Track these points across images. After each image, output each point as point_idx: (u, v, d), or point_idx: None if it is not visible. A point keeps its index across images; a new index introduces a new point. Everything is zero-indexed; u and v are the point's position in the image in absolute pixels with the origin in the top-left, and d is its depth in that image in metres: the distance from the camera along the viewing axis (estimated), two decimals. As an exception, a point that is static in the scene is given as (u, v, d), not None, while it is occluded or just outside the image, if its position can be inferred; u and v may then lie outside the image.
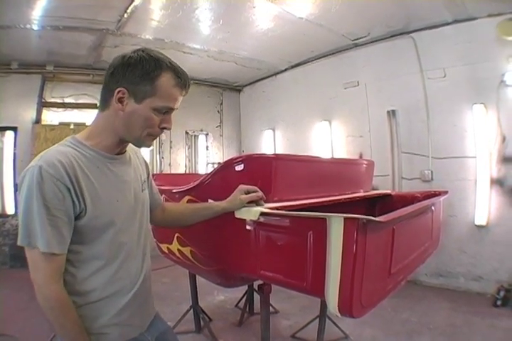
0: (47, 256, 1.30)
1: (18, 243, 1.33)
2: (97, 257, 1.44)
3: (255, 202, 1.99)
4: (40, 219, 1.28)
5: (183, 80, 1.47)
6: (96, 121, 1.53)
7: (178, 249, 2.81)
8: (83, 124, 7.21)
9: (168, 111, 1.48)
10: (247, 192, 1.97)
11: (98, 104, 1.53)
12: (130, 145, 1.65)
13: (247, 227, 1.99)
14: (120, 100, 1.42)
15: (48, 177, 1.28)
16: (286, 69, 8.26)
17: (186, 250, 2.68)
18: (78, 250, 1.41)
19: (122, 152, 1.61)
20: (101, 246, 1.45)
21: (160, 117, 1.47)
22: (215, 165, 8.46)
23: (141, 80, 1.39)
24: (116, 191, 1.52)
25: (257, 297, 4.47)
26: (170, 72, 1.43)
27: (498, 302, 4.73)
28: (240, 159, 2.18)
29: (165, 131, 1.55)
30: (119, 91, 1.40)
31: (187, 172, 8.91)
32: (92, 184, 1.40)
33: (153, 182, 1.98)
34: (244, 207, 1.97)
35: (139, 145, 1.57)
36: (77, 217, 1.37)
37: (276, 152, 8.18)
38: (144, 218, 1.69)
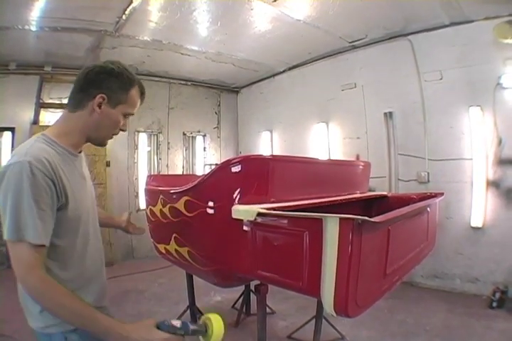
0: (36, 248, 1.35)
1: (5, 237, 1.36)
2: (68, 249, 1.54)
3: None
4: (31, 213, 1.33)
5: (143, 93, 1.73)
6: (66, 120, 1.65)
7: (176, 250, 2.82)
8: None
9: (129, 116, 1.70)
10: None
11: (68, 104, 1.65)
12: None
13: (244, 228, 2.01)
14: (99, 105, 1.58)
15: (38, 172, 1.35)
16: (283, 71, 8.27)
17: (184, 250, 2.69)
18: (55, 242, 1.45)
19: (81, 150, 1.75)
20: (75, 238, 1.56)
21: (123, 121, 1.69)
22: (213, 167, 8.46)
23: (119, 89, 1.60)
24: (81, 186, 1.66)
25: (253, 298, 4.47)
26: (138, 86, 1.68)
27: (494, 304, 4.74)
28: (238, 160, 2.19)
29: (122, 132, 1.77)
30: (100, 97, 1.57)
31: (184, 173, 8.90)
32: (67, 179, 1.50)
33: None
34: (242, 206, 2.00)
35: (100, 144, 1.74)
36: (57, 209, 1.45)
37: (274, 153, 8.17)
38: (95, 211, 1.83)
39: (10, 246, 1.37)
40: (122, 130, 1.72)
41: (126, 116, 1.68)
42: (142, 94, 1.71)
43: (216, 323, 1.40)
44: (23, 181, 1.33)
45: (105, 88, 1.57)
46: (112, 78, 1.58)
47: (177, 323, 1.39)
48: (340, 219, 1.53)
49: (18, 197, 1.33)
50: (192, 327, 1.41)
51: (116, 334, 1.32)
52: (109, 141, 1.76)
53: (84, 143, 1.69)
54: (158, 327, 1.37)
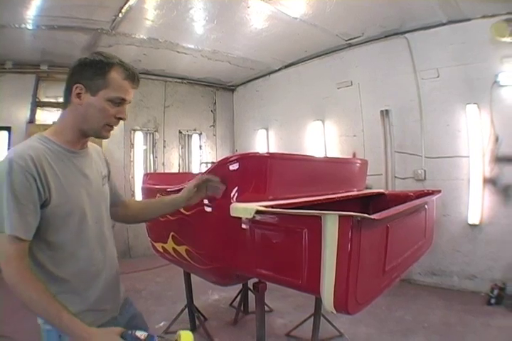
0: (12, 239, 1.38)
1: None
2: (60, 245, 1.54)
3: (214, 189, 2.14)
4: (8, 206, 1.38)
5: (131, 73, 1.62)
6: (60, 118, 1.69)
7: (174, 248, 2.81)
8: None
9: (121, 102, 1.61)
10: (201, 181, 2.09)
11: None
12: (93, 145, 1.86)
13: (243, 226, 2.00)
14: (78, 95, 1.57)
15: (17, 168, 1.39)
16: (279, 69, 8.27)
17: (181, 249, 2.68)
18: (46, 238, 1.50)
19: (84, 147, 1.73)
20: (65, 235, 1.54)
21: (115, 108, 1.61)
22: (209, 165, 8.45)
23: (94, 75, 1.56)
24: (78, 183, 1.63)
25: (251, 296, 4.47)
26: (120, 67, 1.59)
27: (492, 301, 4.75)
28: (235, 158, 2.19)
29: (121, 121, 1.68)
30: (76, 87, 1.57)
31: (180, 171, 8.89)
32: (56, 175, 1.51)
33: (114, 179, 2.07)
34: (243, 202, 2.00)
35: (97, 136, 1.67)
36: (43, 205, 1.46)
37: (270, 151, 8.16)
38: (104, 209, 1.79)
39: None
40: (120, 118, 1.65)
41: (115, 102, 1.59)
42: (129, 74, 1.61)
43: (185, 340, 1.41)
44: (4, 177, 1.38)
45: (81, 78, 1.57)
46: (85, 67, 1.58)
47: (141, 335, 1.40)
48: (340, 216, 1.52)
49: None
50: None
51: (78, 336, 1.36)
52: (107, 140, 1.73)
53: (81, 138, 1.66)
54: (123, 337, 1.39)
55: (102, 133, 1.64)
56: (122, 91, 1.59)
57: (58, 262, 1.53)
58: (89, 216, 1.65)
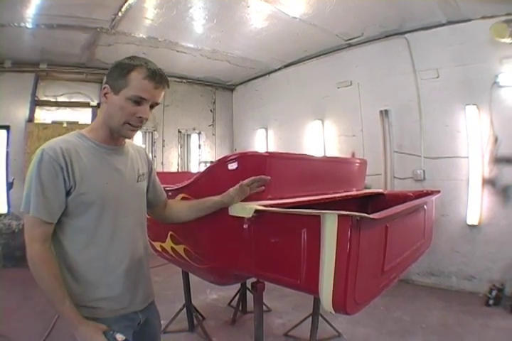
0: (36, 220, 1.53)
1: (21, 209, 1.57)
2: (81, 231, 1.64)
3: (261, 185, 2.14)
4: (35, 191, 1.52)
5: (152, 73, 1.65)
6: (96, 117, 1.81)
7: (172, 247, 2.81)
8: (76, 123, 7.24)
9: (140, 101, 1.66)
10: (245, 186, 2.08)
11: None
12: (134, 144, 2.02)
13: (242, 225, 2.00)
14: (105, 95, 1.69)
15: (47, 157, 1.53)
16: (279, 69, 8.27)
17: (180, 248, 2.68)
18: (66, 221, 1.62)
19: (119, 145, 1.82)
20: (86, 221, 1.63)
21: (135, 107, 1.66)
22: (208, 164, 8.45)
23: (118, 76, 1.65)
24: (107, 176, 1.72)
25: (250, 295, 4.48)
26: (142, 68, 1.64)
27: (491, 302, 4.75)
28: (234, 157, 2.18)
29: (144, 122, 1.74)
30: (104, 88, 1.69)
31: (179, 170, 8.90)
32: (84, 166, 1.62)
33: (157, 179, 2.15)
34: (241, 202, 1.99)
35: (119, 134, 1.74)
36: (68, 193, 1.59)
37: (269, 151, 8.16)
38: (136, 206, 1.87)
39: (24, 217, 1.57)
40: (141, 118, 1.69)
41: (135, 100, 1.64)
42: (150, 74, 1.64)
43: None
44: (35, 165, 1.53)
45: (109, 79, 1.68)
46: (113, 69, 1.67)
47: (120, 338, 1.55)
48: (339, 215, 1.52)
49: (30, 178, 1.54)
50: None
51: (70, 321, 1.53)
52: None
53: (112, 135, 1.75)
54: (105, 334, 1.55)
55: (122, 131, 1.71)
56: (141, 90, 1.64)
57: (77, 246, 1.63)
58: (117, 208, 1.73)
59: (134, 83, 1.63)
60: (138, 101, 1.65)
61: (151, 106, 1.73)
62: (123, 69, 1.64)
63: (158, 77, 1.66)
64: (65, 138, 1.66)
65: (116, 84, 1.65)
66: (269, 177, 2.10)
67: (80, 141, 1.68)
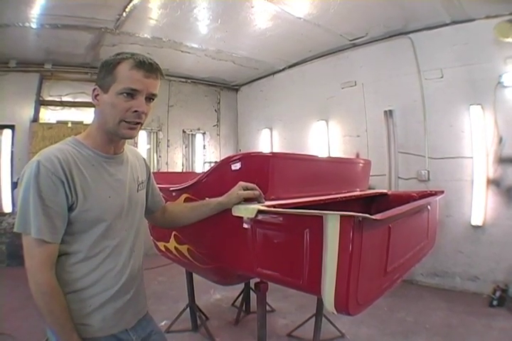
0: (39, 242, 1.39)
1: (15, 229, 1.43)
2: (81, 249, 1.51)
3: (256, 200, 2.01)
4: (35, 208, 1.37)
5: (139, 62, 1.53)
6: (91, 121, 1.68)
7: (175, 247, 2.81)
8: (81, 123, 7.26)
9: (132, 93, 1.53)
10: (246, 189, 2.00)
11: None
12: (131, 148, 1.89)
13: (244, 225, 2.00)
14: (96, 97, 1.57)
15: (44, 170, 1.39)
16: (283, 69, 8.27)
17: (183, 248, 2.68)
18: (68, 240, 1.49)
19: (118, 152, 1.71)
20: (89, 239, 1.52)
21: (129, 102, 1.53)
22: (212, 164, 8.46)
23: (105, 73, 1.54)
24: (109, 188, 1.61)
25: (253, 296, 4.48)
26: (128, 60, 1.53)
27: (494, 303, 4.74)
28: (237, 157, 2.18)
29: (143, 117, 1.60)
30: (94, 90, 1.57)
31: (184, 170, 8.90)
32: (85, 179, 1.50)
33: (154, 184, 2.08)
34: (242, 203, 1.98)
35: (118, 135, 1.60)
36: (69, 209, 1.46)
37: (273, 151, 8.15)
38: (136, 217, 1.77)
39: (22, 238, 1.42)
40: (137, 112, 1.55)
41: (126, 93, 1.51)
42: (137, 63, 1.52)
43: None
44: (31, 179, 1.38)
45: (97, 80, 1.58)
46: (100, 68, 1.57)
47: None
48: (341, 216, 1.51)
49: (26, 194, 1.39)
50: None
51: None
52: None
53: (110, 140, 1.62)
54: None
55: (120, 131, 1.56)
56: (130, 82, 1.51)
57: (72, 263, 1.51)
58: (118, 223, 1.63)
59: (122, 75, 1.51)
60: (130, 93, 1.52)
61: (149, 100, 1.60)
62: (109, 65, 1.53)
63: (147, 66, 1.55)
64: (60, 147, 1.51)
65: (104, 82, 1.53)
66: (258, 194, 2.02)
67: (76, 149, 1.55)
